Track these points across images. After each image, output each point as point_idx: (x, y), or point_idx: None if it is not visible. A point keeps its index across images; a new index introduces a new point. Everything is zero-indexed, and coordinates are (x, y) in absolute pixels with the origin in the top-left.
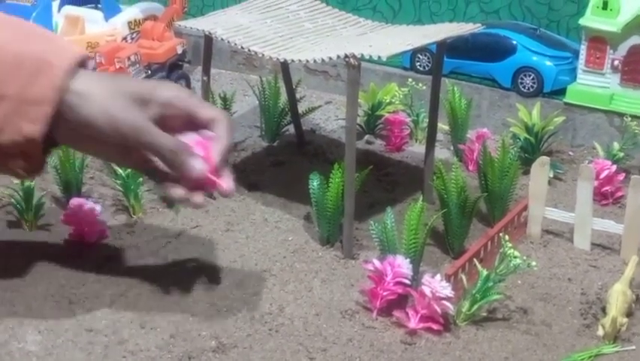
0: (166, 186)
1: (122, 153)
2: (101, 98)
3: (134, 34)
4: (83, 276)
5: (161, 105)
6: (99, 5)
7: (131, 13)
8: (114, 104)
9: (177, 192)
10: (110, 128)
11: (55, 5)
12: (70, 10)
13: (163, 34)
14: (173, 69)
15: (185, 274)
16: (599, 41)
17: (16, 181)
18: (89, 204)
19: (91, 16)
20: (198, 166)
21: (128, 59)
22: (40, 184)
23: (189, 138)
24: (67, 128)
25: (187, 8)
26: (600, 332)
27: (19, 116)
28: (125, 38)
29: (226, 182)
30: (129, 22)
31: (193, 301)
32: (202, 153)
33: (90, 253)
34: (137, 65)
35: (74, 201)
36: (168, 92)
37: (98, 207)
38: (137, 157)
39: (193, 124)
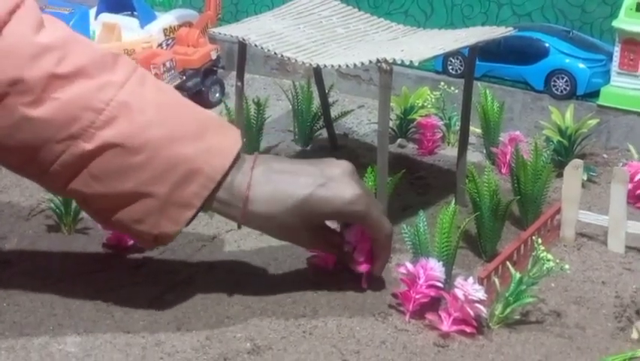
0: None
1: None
2: (271, 224)
3: (170, 41)
4: (121, 279)
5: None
6: (135, 13)
7: (166, 20)
8: (286, 231)
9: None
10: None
11: (92, 13)
12: (107, 17)
13: (198, 41)
14: (207, 75)
15: (219, 277)
16: (633, 43)
17: None
18: None
19: (127, 23)
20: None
21: (164, 65)
22: None
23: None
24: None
25: (221, 15)
26: (635, 335)
27: (161, 214)
28: (160, 45)
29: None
30: (164, 29)
31: (228, 303)
32: (362, 258)
33: (127, 256)
34: (173, 71)
35: None
36: (353, 217)
37: None
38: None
39: None
